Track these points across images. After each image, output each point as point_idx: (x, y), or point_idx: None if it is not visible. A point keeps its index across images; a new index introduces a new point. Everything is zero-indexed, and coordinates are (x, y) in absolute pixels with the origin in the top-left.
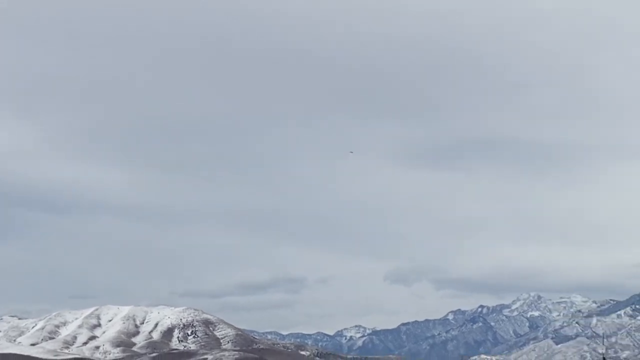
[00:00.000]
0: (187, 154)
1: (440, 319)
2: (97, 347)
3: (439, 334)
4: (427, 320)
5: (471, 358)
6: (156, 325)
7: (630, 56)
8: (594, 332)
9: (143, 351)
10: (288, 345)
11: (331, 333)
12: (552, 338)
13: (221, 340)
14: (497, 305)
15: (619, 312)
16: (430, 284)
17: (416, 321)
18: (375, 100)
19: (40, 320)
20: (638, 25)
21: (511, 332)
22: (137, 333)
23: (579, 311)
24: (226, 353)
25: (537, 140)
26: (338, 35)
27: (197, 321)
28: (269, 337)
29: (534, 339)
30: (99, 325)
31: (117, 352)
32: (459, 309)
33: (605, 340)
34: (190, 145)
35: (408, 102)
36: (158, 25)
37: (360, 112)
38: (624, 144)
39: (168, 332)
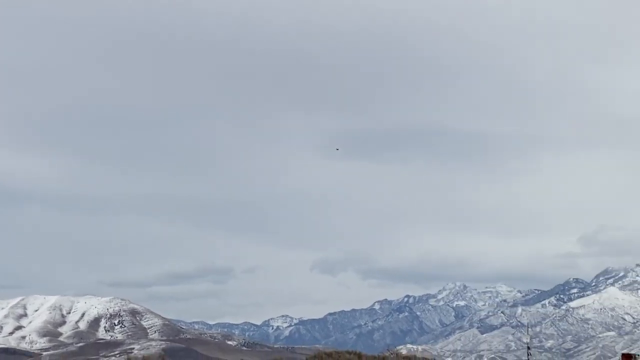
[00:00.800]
0: (114, 143)
1: (366, 309)
2: (24, 337)
3: (365, 323)
4: (353, 310)
5: (397, 347)
6: (83, 315)
7: (561, 49)
8: (519, 321)
9: (70, 341)
10: (215, 335)
11: (258, 323)
12: (477, 327)
13: (148, 330)
14: (423, 295)
15: (543, 302)
16: (356, 274)
17: (343, 311)
18: (305, 91)
19: None
20: (569, 18)
21: (437, 321)
22: (63, 323)
23: (504, 301)
24: (153, 343)
25: (465, 130)
26: (270, 25)
27: (124, 311)
28: (196, 327)
29: (460, 328)
30: (25, 315)
31: (43, 342)
32: (386, 299)
33: (529, 329)
34: (119, 135)
35: (338, 93)
36: (82, 13)
37: (290, 103)
38: (551, 136)
39: (95, 322)
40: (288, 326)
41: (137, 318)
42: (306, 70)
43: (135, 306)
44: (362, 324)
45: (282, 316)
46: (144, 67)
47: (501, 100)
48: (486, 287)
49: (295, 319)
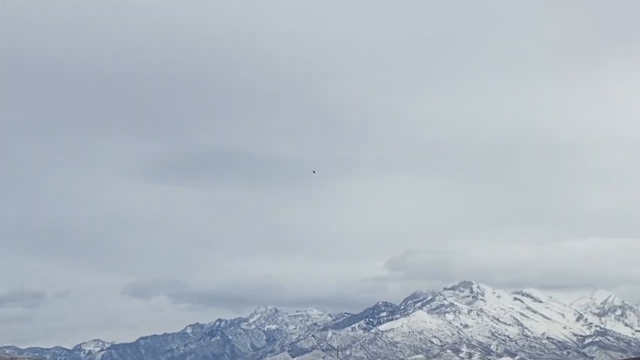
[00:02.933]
0: None
1: (179, 333)
2: None
3: (177, 347)
4: (165, 334)
5: None
6: None
7: (362, 73)
8: (329, 344)
9: None
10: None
11: (70, 347)
12: (288, 351)
13: None
14: (235, 319)
15: (353, 325)
16: (168, 298)
17: (155, 335)
18: (111, 112)
19: None
20: (373, 45)
21: (249, 345)
22: None
23: (315, 324)
24: None
25: (274, 154)
26: (71, 42)
27: None
28: (7, 351)
29: (271, 352)
30: None
31: None
32: (198, 323)
33: (340, 352)
34: None
35: (145, 115)
36: None
37: (97, 124)
38: (360, 161)
39: None
40: (100, 350)
41: None
42: (121, 93)
43: None
44: (174, 347)
45: (94, 340)
46: None
47: (312, 125)
48: (297, 311)
49: (107, 343)
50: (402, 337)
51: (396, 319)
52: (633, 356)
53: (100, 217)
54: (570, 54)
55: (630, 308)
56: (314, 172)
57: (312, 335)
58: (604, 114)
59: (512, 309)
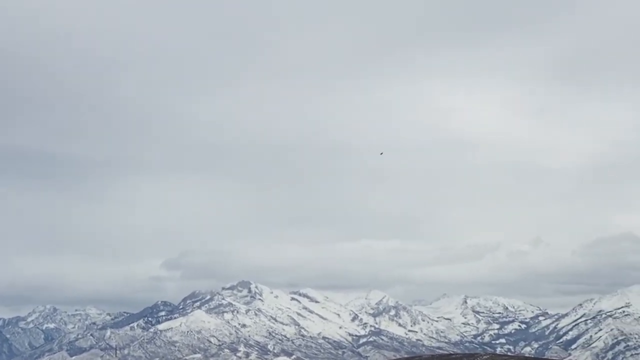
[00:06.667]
0: None
1: None
2: None
3: None
4: None
5: None
6: None
7: (148, 73)
8: (108, 344)
9: None
10: None
11: None
12: (67, 350)
13: None
14: (13, 318)
15: (132, 325)
16: None
17: None
18: None
19: None
20: (159, 42)
21: (27, 344)
22: None
23: (94, 323)
24: None
25: (56, 152)
26: None
27: None
28: None
29: (49, 350)
30: None
31: None
32: None
33: (118, 352)
34: None
35: None
36: None
37: None
38: (136, 159)
39: None
40: None
41: None
42: None
43: None
44: None
45: None
46: None
47: (96, 123)
48: (76, 310)
49: None
50: (181, 336)
51: (175, 318)
52: (406, 355)
53: None
54: (353, 62)
55: (404, 308)
56: (381, 153)
57: (91, 335)
58: (382, 119)
59: (290, 308)
